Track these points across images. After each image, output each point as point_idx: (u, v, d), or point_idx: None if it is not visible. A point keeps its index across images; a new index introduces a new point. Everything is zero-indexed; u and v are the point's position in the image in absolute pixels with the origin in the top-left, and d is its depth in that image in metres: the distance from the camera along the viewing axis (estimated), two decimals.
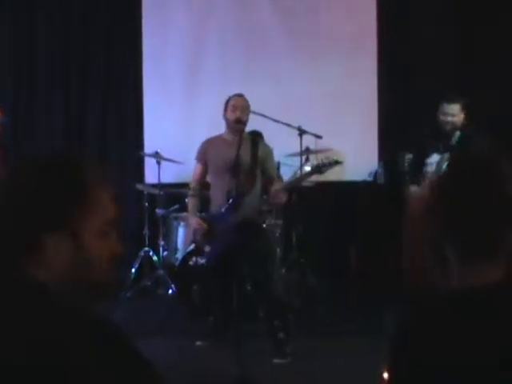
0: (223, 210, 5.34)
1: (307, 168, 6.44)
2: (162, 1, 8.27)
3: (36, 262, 1.43)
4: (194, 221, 5.60)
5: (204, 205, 5.86)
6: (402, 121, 8.01)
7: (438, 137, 6.56)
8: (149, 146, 7.88)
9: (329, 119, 7.77)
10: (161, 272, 7.19)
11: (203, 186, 5.82)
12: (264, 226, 5.97)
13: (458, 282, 1.67)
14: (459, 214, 1.62)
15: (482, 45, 7.88)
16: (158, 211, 7.33)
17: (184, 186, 7.25)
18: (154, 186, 7.42)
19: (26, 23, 8.19)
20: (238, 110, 5.42)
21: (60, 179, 1.47)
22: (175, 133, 8.07)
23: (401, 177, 7.63)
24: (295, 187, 5.65)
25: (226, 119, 5.50)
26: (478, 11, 7.86)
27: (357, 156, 7.64)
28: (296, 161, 6.83)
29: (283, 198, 5.25)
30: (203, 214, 5.76)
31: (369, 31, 8.05)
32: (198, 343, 5.70)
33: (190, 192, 5.83)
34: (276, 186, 5.38)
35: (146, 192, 7.44)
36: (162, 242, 7.34)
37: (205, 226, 5.50)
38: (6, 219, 1.44)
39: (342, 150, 7.13)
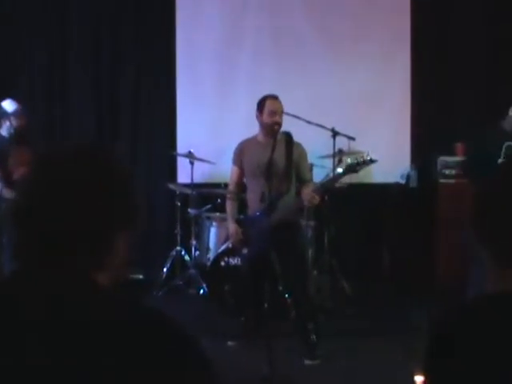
0: (259, 212, 5.34)
1: (339, 170, 6.45)
2: (194, 1, 8.28)
3: (99, 263, 1.43)
4: (232, 228, 5.65)
5: (242, 207, 5.87)
6: (435, 124, 7.98)
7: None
8: (181, 146, 7.91)
9: (361, 121, 7.75)
10: (192, 272, 7.21)
11: (241, 188, 5.81)
12: (300, 226, 5.92)
13: (496, 286, 1.64)
14: (502, 218, 1.60)
15: None
16: (191, 211, 7.36)
17: (216, 185, 7.31)
18: (186, 185, 7.45)
19: (60, 22, 8.24)
20: (276, 114, 5.38)
21: (129, 178, 1.49)
22: (207, 133, 8.09)
23: (433, 179, 7.63)
24: (329, 188, 5.59)
25: (262, 122, 5.47)
26: None
27: (389, 158, 7.60)
28: (328, 163, 6.83)
29: (317, 199, 5.22)
30: (241, 216, 5.77)
31: (403, 33, 8.02)
32: (230, 343, 5.72)
33: (228, 195, 5.83)
34: (309, 188, 5.35)
35: (178, 192, 7.47)
36: (193, 242, 7.36)
37: (240, 235, 5.56)
38: (83, 216, 1.41)
39: (375, 152, 7.11)
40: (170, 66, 8.21)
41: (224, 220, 6.84)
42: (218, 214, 7.18)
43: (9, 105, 6.28)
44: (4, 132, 6.26)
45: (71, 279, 1.40)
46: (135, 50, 8.29)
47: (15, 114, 6.28)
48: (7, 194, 6.05)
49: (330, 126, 6.43)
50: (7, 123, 6.21)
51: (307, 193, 5.27)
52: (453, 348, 1.59)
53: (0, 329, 1.37)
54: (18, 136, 6.28)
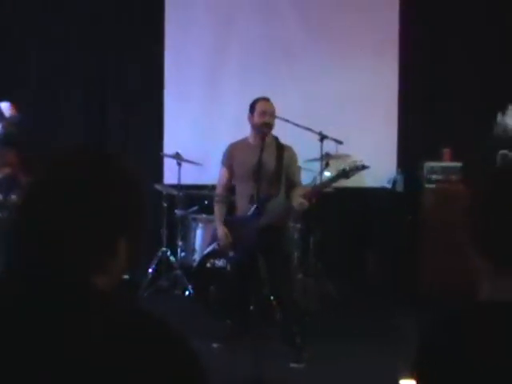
0: (247, 214, 5.33)
1: (327, 173, 6.48)
2: (185, 2, 8.28)
3: (100, 267, 1.43)
4: (221, 230, 5.63)
5: (231, 210, 5.85)
6: (421, 129, 8.04)
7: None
8: (168, 147, 7.90)
9: (349, 125, 7.75)
10: (178, 272, 7.21)
11: (229, 190, 5.80)
12: (288, 229, 5.94)
13: (490, 295, 1.64)
14: (498, 224, 1.60)
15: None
16: (177, 212, 7.36)
17: (203, 187, 7.31)
18: (172, 186, 7.44)
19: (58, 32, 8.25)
20: (266, 114, 5.41)
21: (133, 179, 1.50)
22: (194, 134, 8.08)
23: (419, 184, 7.66)
24: (320, 192, 5.60)
25: (253, 123, 5.48)
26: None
27: (376, 163, 7.55)
28: (316, 166, 6.86)
29: (306, 204, 5.22)
30: (228, 217, 5.76)
31: (391, 38, 8.06)
32: (215, 345, 5.71)
33: (216, 198, 5.82)
34: (299, 192, 5.35)
35: (164, 192, 7.46)
36: (179, 243, 7.36)
37: (230, 239, 5.56)
38: (85, 221, 1.41)
39: (362, 156, 7.13)
40: (158, 67, 8.21)
41: (210, 221, 6.85)
42: (204, 215, 7.19)
43: (7, 109, 6.24)
44: None
45: (72, 282, 1.40)
46: (124, 52, 8.29)
47: (10, 119, 6.25)
48: None
49: (317, 130, 6.46)
50: None
51: (296, 198, 5.27)
52: (441, 357, 1.60)
53: None
54: (7, 139, 6.25)
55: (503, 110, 6.28)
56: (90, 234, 1.41)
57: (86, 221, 1.40)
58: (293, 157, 5.59)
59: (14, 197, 6.10)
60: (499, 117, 6.23)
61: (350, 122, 7.87)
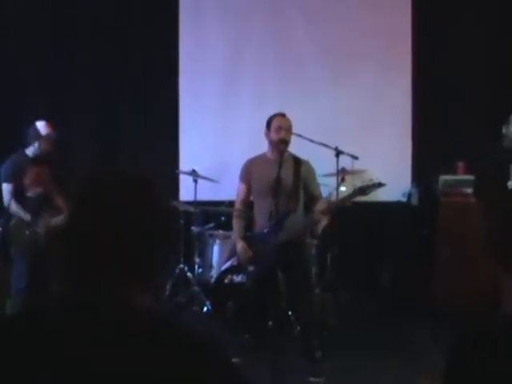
0: (266, 230, 5.35)
1: (343, 188, 6.53)
2: (199, 16, 8.35)
3: (144, 286, 1.51)
4: (240, 245, 5.65)
5: (249, 225, 5.88)
6: (436, 142, 8.05)
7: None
8: (184, 164, 7.96)
9: (364, 140, 7.80)
10: (196, 289, 7.24)
11: (248, 206, 5.84)
12: (307, 245, 5.97)
13: None
14: None
15: None
16: (194, 228, 7.40)
17: (219, 203, 7.35)
18: (189, 203, 7.49)
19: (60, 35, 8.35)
20: (282, 130, 5.45)
21: (169, 204, 1.56)
22: (210, 151, 8.16)
23: (434, 198, 7.68)
24: (337, 208, 5.64)
25: (270, 139, 5.53)
26: None
27: (391, 177, 7.59)
28: (332, 181, 6.90)
29: (325, 220, 5.28)
30: (248, 233, 5.79)
31: (404, 52, 8.13)
32: (234, 360, 5.73)
33: (235, 213, 5.83)
34: (320, 206, 5.40)
35: (181, 209, 7.51)
36: (197, 259, 7.39)
37: (249, 253, 5.59)
38: (132, 240, 1.48)
39: (377, 171, 7.18)
40: (173, 83, 8.31)
41: (227, 238, 6.90)
42: (221, 231, 7.23)
43: (43, 127, 6.30)
44: (29, 151, 6.27)
45: (118, 303, 1.46)
46: (138, 65, 8.39)
47: (46, 137, 6.31)
48: (15, 207, 6.13)
49: (333, 145, 6.50)
50: (36, 145, 6.24)
51: (319, 212, 5.33)
52: (472, 375, 1.61)
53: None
54: (40, 159, 6.33)
55: (507, 121, 6.33)
56: (137, 256, 1.48)
57: (133, 242, 1.47)
58: (310, 171, 5.64)
59: (44, 217, 6.18)
60: (504, 129, 6.28)
61: (365, 137, 7.90)
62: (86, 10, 8.32)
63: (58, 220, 6.03)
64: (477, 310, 5.30)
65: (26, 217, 6.11)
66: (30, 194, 6.17)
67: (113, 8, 8.36)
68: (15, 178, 6.17)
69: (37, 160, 6.26)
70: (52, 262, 1.50)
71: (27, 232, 6.08)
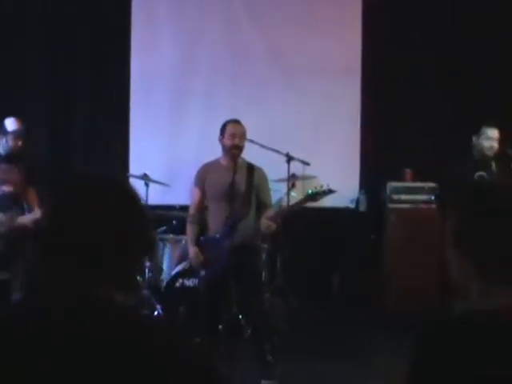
0: (219, 234, 5.44)
1: (293, 194, 6.62)
2: (150, 24, 8.37)
3: (121, 282, 1.56)
4: (193, 250, 5.69)
5: (203, 230, 5.91)
6: (383, 149, 8.22)
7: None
8: (134, 168, 7.96)
9: (313, 146, 7.90)
10: (146, 293, 7.22)
11: (201, 211, 5.87)
12: (259, 249, 6.05)
13: (481, 302, 1.71)
14: (489, 234, 1.70)
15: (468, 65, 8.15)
16: None
17: (170, 208, 7.37)
18: None
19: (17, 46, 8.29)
20: (236, 137, 5.52)
21: (142, 204, 1.63)
22: (161, 155, 8.17)
23: (381, 204, 7.83)
24: (287, 214, 5.74)
25: (223, 145, 5.59)
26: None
27: (339, 183, 7.70)
28: (282, 186, 6.98)
29: (274, 226, 5.39)
30: (201, 238, 5.83)
31: (353, 61, 8.26)
32: None
33: (189, 218, 5.88)
34: (268, 214, 5.49)
35: None
36: (147, 263, 7.37)
37: (201, 258, 5.62)
38: (111, 240, 1.54)
39: (326, 177, 7.27)
40: (124, 89, 8.30)
41: (178, 242, 6.92)
42: (171, 235, 7.23)
43: (10, 123, 6.22)
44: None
45: (92, 296, 1.51)
46: (90, 73, 8.37)
47: (14, 133, 6.23)
48: None
49: (284, 151, 6.59)
50: (3, 141, 6.15)
51: (265, 221, 5.41)
52: (436, 369, 1.65)
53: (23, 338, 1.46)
54: (10, 155, 6.25)
55: (477, 132, 6.52)
56: (122, 253, 1.54)
57: (117, 242, 1.53)
58: (263, 178, 5.72)
59: (9, 215, 6.07)
60: (474, 139, 6.48)
61: (314, 145, 8.01)
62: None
63: (25, 219, 5.95)
64: (422, 314, 5.44)
65: None
66: None
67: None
68: None
69: (6, 157, 6.19)
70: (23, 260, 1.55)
71: None
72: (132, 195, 1.62)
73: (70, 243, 1.51)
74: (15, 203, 6.11)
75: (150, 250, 1.53)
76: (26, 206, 6.07)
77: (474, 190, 1.83)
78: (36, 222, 5.66)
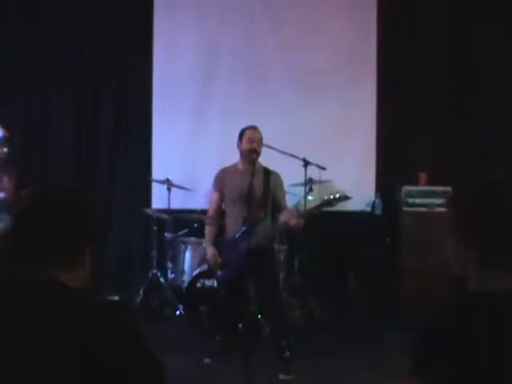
0: (236, 236, 5.66)
1: (310, 197, 6.82)
2: (172, 33, 8.59)
3: (70, 268, 1.87)
4: (211, 251, 5.88)
5: (221, 232, 6.07)
6: (399, 154, 8.38)
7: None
8: (157, 174, 8.18)
9: (329, 151, 8.06)
10: (168, 293, 7.44)
11: (220, 213, 6.07)
12: (274, 251, 6.23)
13: (478, 286, 1.83)
14: (486, 220, 1.83)
15: (481, 72, 8.26)
16: (167, 235, 7.63)
17: (192, 211, 7.59)
18: (162, 211, 7.73)
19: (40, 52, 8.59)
20: (253, 141, 5.74)
21: (92, 204, 1.95)
22: (182, 160, 8.39)
23: (397, 207, 7.98)
24: (311, 216, 5.91)
25: (241, 150, 5.81)
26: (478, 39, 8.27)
27: (356, 187, 7.81)
28: (299, 190, 7.18)
29: (302, 222, 5.58)
30: (220, 238, 6.00)
31: (369, 67, 8.43)
32: (207, 360, 5.94)
33: (207, 220, 6.09)
34: (285, 214, 5.67)
35: (155, 216, 7.73)
36: (169, 265, 7.60)
37: (219, 259, 5.81)
38: (63, 232, 1.86)
39: (342, 182, 7.48)
40: (147, 94, 8.52)
41: (199, 244, 7.13)
42: (193, 238, 7.44)
43: None
44: None
45: (46, 279, 1.82)
46: (114, 80, 8.61)
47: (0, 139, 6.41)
48: None
49: (301, 156, 6.78)
50: None
51: (286, 218, 5.60)
52: (441, 350, 1.77)
53: None
54: (2, 162, 6.40)
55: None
56: (67, 242, 1.87)
57: (63, 233, 1.86)
58: (279, 182, 5.92)
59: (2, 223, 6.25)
60: None
61: (331, 148, 8.17)
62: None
63: None
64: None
65: None
66: None
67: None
68: None
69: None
70: None
71: None
72: (74, 198, 1.93)
73: (17, 237, 1.86)
74: (9, 209, 6.30)
75: (93, 239, 1.88)
76: None
77: (476, 183, 1.96)
78: None
